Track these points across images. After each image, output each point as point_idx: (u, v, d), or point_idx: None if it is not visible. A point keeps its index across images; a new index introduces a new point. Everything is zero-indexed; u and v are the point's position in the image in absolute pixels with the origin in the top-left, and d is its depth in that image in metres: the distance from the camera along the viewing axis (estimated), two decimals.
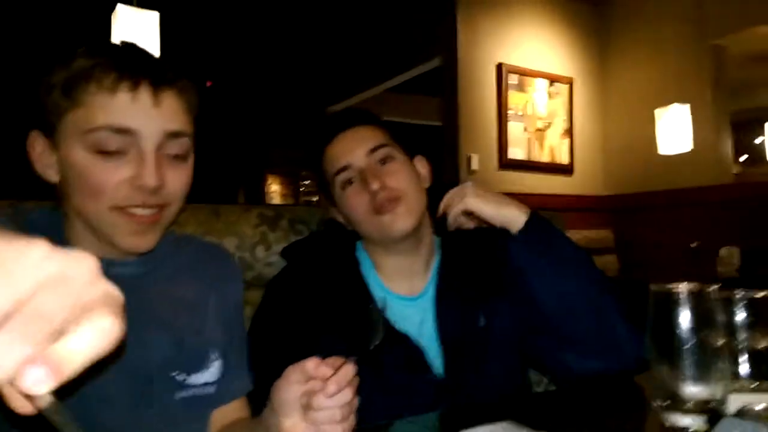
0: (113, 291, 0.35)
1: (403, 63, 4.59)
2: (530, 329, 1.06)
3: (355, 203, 1.03)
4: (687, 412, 0.65)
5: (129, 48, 0.80)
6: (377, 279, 1.08)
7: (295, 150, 7.83)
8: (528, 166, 4.06)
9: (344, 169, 1.03)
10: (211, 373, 0.85)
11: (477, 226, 1.11)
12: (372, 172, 1.01)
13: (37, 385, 0.30)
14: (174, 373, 0.81)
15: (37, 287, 0.32)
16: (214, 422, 0.87)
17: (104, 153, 0.74)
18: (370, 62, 4.98)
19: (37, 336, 0.31)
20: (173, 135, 0.78)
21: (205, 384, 0.84)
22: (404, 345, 1.00)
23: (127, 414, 0.77)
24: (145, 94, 0.75)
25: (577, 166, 4.31)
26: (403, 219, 1.01)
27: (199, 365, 0.84)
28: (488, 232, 1.08)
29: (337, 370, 0.67)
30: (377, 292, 1.05)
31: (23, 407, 0.32)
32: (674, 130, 3.60)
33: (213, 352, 0.86)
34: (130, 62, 0.76)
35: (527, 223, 1.03)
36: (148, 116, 0.75)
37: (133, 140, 0.75)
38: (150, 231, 0.79)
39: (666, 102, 3.63)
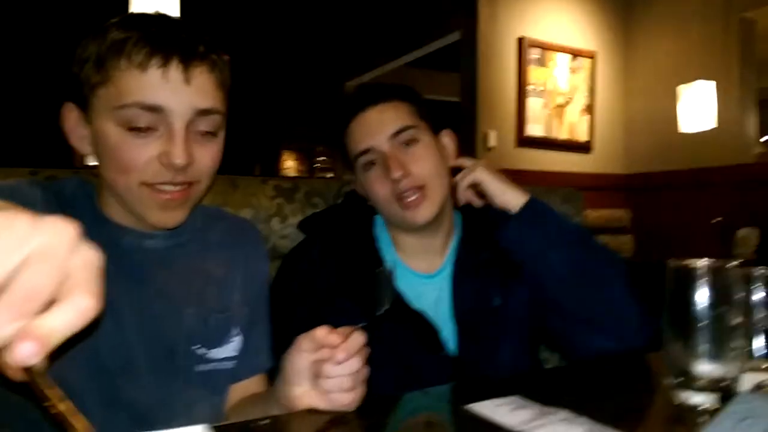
0: (93, 256, 0.37)
1: (421, 37, 4.52)
2: (542, 309, 1.06)
3: (377, 188, 1.02)
4: (699, 389, 0.65)
5: (161, 20, 0.78)
6: (394, 255, 1.08)
7: (310, 126, 7.81)
8: (546, 143, 4.00)
9: (366, 151, 1.02)
10: (230, 348, 0.86)
11: (483, 204, 1.11)
12: (395, 159, 0.99)
13: (29, 358, 0.33)
14: (195, 347, 0.83)
15: (23, 263, 0.34)
16: (232, 397, 0.88)
17: (135, 129, 0.74)
18: (388, 37, 4.91)
19: (26, 312, 0.34)
20: (203, 112, 0.77)
21: (224, 359, 0.86)
22: (419, 322, 1.01)
23: (148, 385, 0.79)
24: (175, 71, 0.74)
25: (597, 144, 4.24)
26: (424, 211, 1.01)
27: (220, 340, 0.85)
28: (496, 213, 1.08)
29: (346, 338, 0.67)
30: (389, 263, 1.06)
31: (15, 375, 0.35)
32: (698, 107, 3.52)
33: (235, 329, 0.87)
34: (161, 37, 0.74)
35: (527, 203, 1.04)
36: (178, 93, 0.74)
37: (163, 117, 0.74)
38: (178, 207, 0.80)
39: (691, 78, 3.54)
